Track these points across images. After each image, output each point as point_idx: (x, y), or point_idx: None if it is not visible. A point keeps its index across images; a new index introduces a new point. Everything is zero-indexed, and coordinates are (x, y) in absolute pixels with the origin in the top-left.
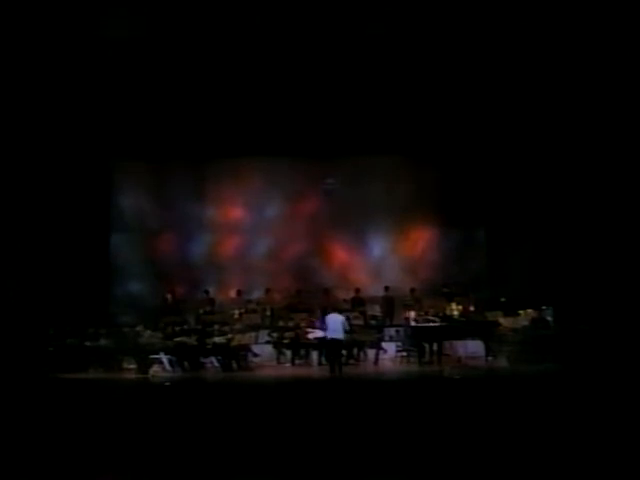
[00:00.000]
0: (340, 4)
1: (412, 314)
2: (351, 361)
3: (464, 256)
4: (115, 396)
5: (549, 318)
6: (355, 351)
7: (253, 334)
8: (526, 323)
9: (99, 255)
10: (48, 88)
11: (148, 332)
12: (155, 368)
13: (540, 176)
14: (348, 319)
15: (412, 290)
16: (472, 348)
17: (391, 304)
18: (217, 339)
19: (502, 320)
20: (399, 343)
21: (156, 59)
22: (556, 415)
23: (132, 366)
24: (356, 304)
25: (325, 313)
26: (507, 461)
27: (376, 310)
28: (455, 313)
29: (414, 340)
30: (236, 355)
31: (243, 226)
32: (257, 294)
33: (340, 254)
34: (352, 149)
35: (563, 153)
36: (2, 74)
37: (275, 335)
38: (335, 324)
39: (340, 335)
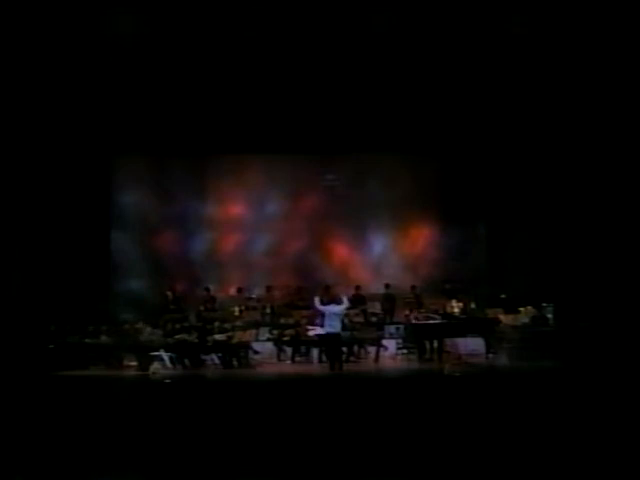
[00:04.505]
0: (341, 1)
1: (413, 314)
2: (352, 358)
3: (464, 253)
4: (116, 393)
5: (549, 315)
6: (355, 348)
7: (253, 331)
8: (526, 320)
9: (99, 252)
10: (47, 83)
11: (148, 329)
12: (156, 365)
13: (541, 173)
14: (347, 315)
15: (413, 287)
16: (472, 345)
17: (392, 301)
18: (218, 336)
19: (502, 317)
20: (399, 340)
21: (157, 55)
22: (556, 412)
23: (133, 363)
24: (356, 301)
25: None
26: (507, 458)
27: (376, 307)
28: (455, 310)
29: (414, 337)
30: (237, 352)
31: (243, 223)
32: (257, 291)
33: (340, 251)
34: (353, 146)
35: (564, 149)
36: (0, 69)
37: (275, 332)
38: (333, 317)
39: (337, 329)
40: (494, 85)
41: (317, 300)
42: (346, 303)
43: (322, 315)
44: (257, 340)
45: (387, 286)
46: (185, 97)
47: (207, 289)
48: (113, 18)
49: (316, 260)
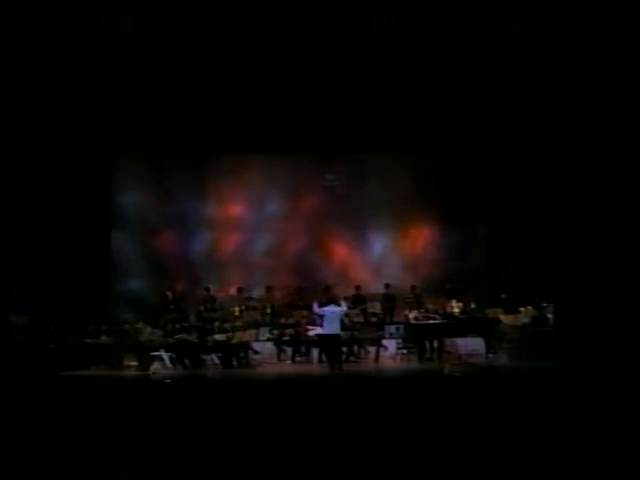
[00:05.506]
0: (341, 1)
1: (413, 314)
2: (352, 358)
3: (464, 253)
4: (116, 393)
5: (549, 315)
6: (355, 348)
7: (254, 331)
8: (526, 320)
9: (99, 252)
10: (47, 84)
11: (149, 329)
12: (156, 365)
13: (540, 173)
14: (347, 315)
15: (413, 287)
16: (472, 345)
17: (392, 301)
18: (218, 336)
19: (502, 317)
20: (399, 340)
21: (157, 55)
22: (556, 412)
23: (133, 363)
24: (356, 301)
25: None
26: (507, 459)
27: (377, 307)
28: (455, 310)
29: (414, 337)
30: (237, 352)
31: (243, 223)
32: (257, 291)
33: (340, 251)
34: (353, 146)
35: (564, 149)
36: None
37: (275, 332)
38: (332, 319)
39: (337, 330)
40: (494, 85)
41: (315, 305)
42: (345, 307)
43: (321, 317)
44: (257, 340)
45: (387, 286)
46: (185, 97)
47: (207, 289)
48: (113, 18)
49: (316, 260)
